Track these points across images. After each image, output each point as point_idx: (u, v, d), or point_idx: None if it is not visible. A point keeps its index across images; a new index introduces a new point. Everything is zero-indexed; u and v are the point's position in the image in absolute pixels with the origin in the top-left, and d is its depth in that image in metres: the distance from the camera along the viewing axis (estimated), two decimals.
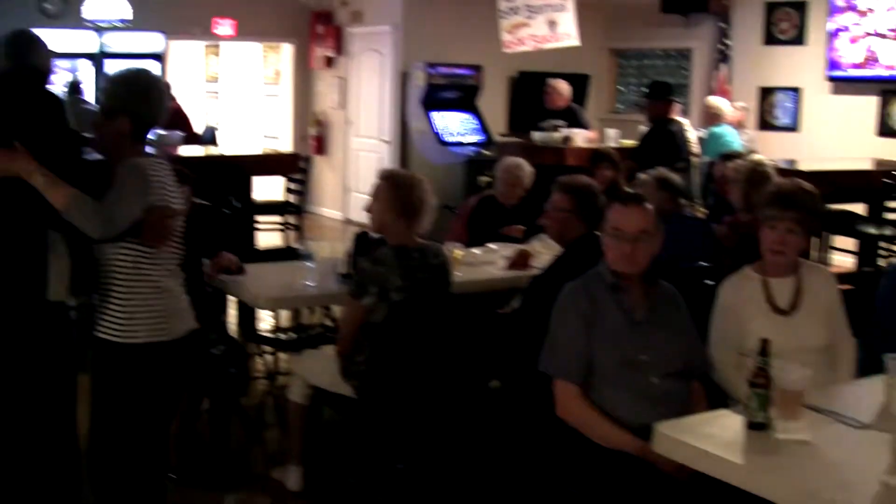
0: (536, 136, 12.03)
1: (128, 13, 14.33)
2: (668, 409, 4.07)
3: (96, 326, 4.29)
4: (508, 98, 15.57)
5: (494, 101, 15.18)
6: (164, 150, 9.96)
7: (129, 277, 4.22)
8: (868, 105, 12.90)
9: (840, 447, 3.56)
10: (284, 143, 16.87)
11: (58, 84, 12.63)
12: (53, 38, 11.91)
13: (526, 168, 8.13)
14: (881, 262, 10.61)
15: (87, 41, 14.31)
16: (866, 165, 11.57)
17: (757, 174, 7.01)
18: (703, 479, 3.53)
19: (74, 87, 12.99)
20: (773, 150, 12.33)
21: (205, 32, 15.77)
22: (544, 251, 6.59)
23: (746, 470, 3.37)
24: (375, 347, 5.24)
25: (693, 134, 11.00)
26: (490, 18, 12.84)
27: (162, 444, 4.60)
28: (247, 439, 6.48)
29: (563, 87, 12.57)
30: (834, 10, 13.08)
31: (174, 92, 13.57)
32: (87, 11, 14.15)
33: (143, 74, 4.46)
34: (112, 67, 13.31)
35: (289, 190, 12.76)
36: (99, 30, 14.34)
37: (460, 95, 14.65)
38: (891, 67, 12.58)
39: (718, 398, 4.46)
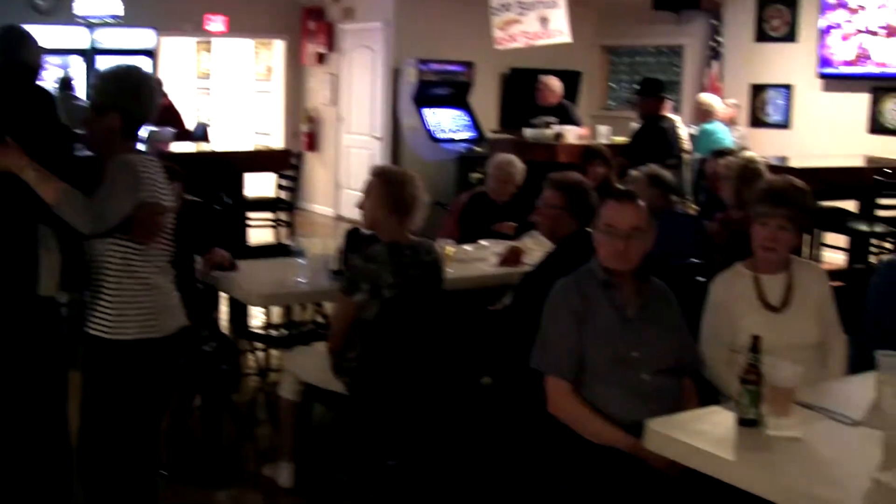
0: (528, 132, 12.03)
1: (119, 9, 14.35)
2: (660, 405, 4.07)
3: (87, 323, 4.28)
4: (500, 95, 15.58)
5: (486, 97, 15.18)
6: (155, 146, 9.96)
7: (118, 274, 4.21)
8: (859, 102, 12.92)
9: (831, 444, 3.56)
10: (276, 140, 16.84)
11: (49, 80, 12.63)
12: (44, 34, 11.91)
13: (518, 165, 8.14)
14: (872, 259, 10.64)
15: (78, 37, 14.30)
16: (857, 162, 11.59)
17: (748, 171, 7.01)
18: (695, 476, 3.53)
19: (65, 84, 12.97)
20: (764, 147, 12.34)
21: (196, 29, 15.75)
22: (536, 248, 6.59)
23: (737, 466, 3.37)
24: (367, 344, 5.24)
25: (684, 131, 11.02)
26: (482, 15, 12.84)
27: (153, 440, 4.59)
28: (238, 436, 6.48)
29: (555, 83, 12.58)
30: (825, 8, 13.09)
31: (166, 88, 13.61)
32: (78, 7, 14.16)
33: (133, 71, 4.45)
34: (103, 64, 13.26)
35: (280, 186, 12.75)
36: (90, 26, 14.33)
37: (452, 92, 14.65)
38: (882, 65, 12.59)
39: (710, 395, 4.46)
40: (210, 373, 5.95)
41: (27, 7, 13.94)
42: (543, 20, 12.55)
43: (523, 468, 4.73)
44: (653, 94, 10.68)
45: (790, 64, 13.66)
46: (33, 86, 4.40)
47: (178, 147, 11.33)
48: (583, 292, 4.31)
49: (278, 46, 17.06)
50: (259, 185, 13.26)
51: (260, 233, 12.38)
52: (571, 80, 14.47)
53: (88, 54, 14.35)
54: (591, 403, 4.22)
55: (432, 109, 14.41)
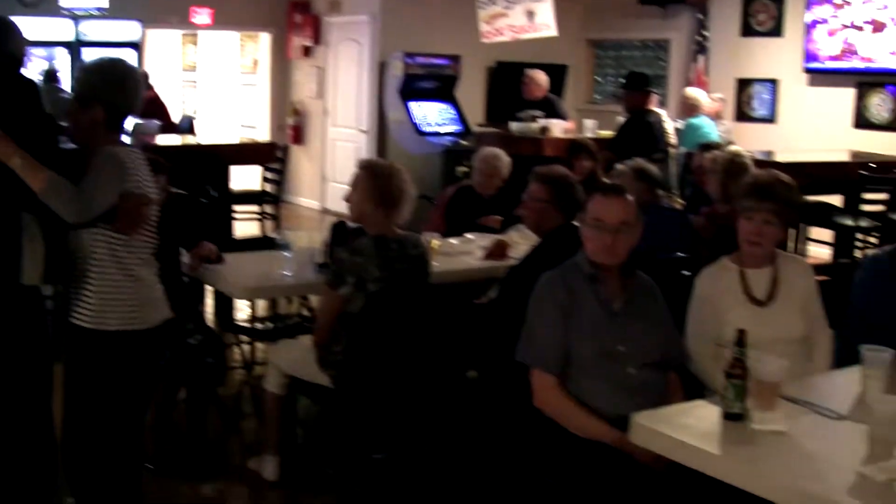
0: (514, 126, 12.05)
1: (104, 2, 14.32)
2: (646, 399, 4.07)
3: (70, 312, 4.27)
4: (486, 88, 15.56)
5: (472, 91, 15.16)
6: (141, 139, 9.95)
7: (102, 264, 4.20)
8: (845, 97, 12.93)
9: (816, 438, 3.57)
10: (262, 133, 16.84)
11: (33, 72, 12.59)
12: (30, 26, 11.86)
13: (504, 158, 8.13)
14: (857, 254, 10.66)
15: (63, 29, 14.25)
16: (843, 157, 11.63)
17: (735, 165, 7.03)
18: (680, 470, 3.53)
19: (50, 76, 12.96)
20: (750, 141, 12.34)
21: (182, 21, 15.71)
22: (522, 241, 6.59)
23: (722, 460, 3.38)
24: (353, 337, 5.24)
25: (670, 125, 11.03)
26: (468, 8, 12.85)
27: (138, 434, 4.58)
28: (223, 429, 6.48)
29: (541, 77, 12.58)
30: (811, 3, 13.11)
31: (151, 81, 13.59)
32: None
33: (118, 63, 4.43)
34: (89, 56, 13.26)
35: (266, 179, 12.73)
36: (75, 18, 14.29)
37: (438, 85, 14.63)
38: (868, 60, 12.61)
39: (695, 389, 4.47)
40: (195, 366, 5.95)
41: None
42: (529, 14, 12.57)
43: (509, 462, 4.73)
44: (639, 88, 10.68)
45: (776, 58, 13.68)
46: (18, 76, 4.38)
47: (163, 140, 11.34)
48: (569, 286, 4.31)
49: (264, 39, 17.02)
50: (245, 178, 13.25)
51: (245, 226, 12.36)
52: (557, 73, 14.47)
53: (74, 47, 14.30)
54: (577, 397, 4.22)
55: (418, 103, 14.40)
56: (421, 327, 5.31)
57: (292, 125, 16.71)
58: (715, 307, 4.64)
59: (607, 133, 11.75)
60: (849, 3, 12.71)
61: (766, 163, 9.03)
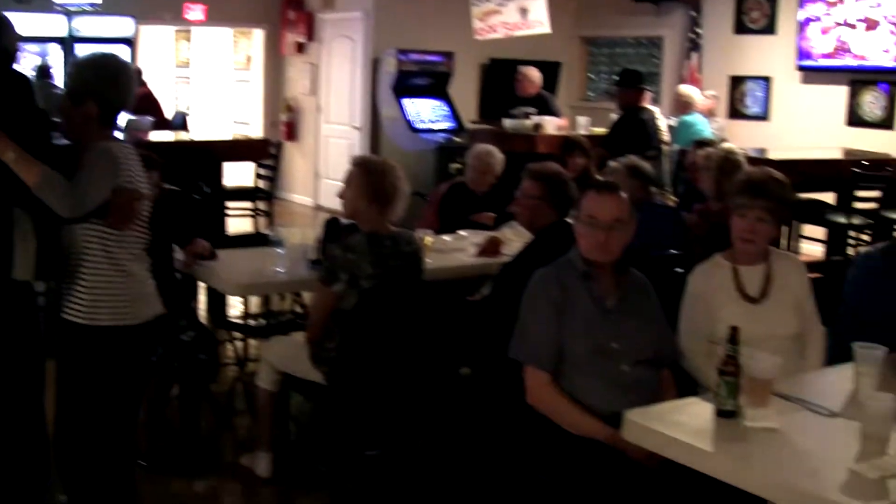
0: (507, 123, 12.05)
1: None
2: (639, 396, 4.07)
3: (61, 308, 4.27)
4: (479, 85, 15.56)
5: (465, 88, 15.16)
6: (134, 135, 9.93)
7: (95, 259, 4.19)
8: (838, 95, 12.94)
9: (809, 435, 3.58)
10: (255, 129, 16.80)
11: (26, 68, 12.56)
12: (23, 21, 11.86)
13: (497, 155, 8.13)
14: (850, 251, 10.68)
15: (56, 25, 14.22)
16: (836, 155, 11.64)
17: (729, 163, 7.03)
18: (673, 467, 3.54)
19: (44, 72, 12.94)
20: (743, 138, 12.36)
21: (175, 17, 15.69)
22: (515, 238, 6.59)
23: (715, 457, 3.38)
24: (346, 334, 5.23)
25: (664, 122, 11.03)
26: (461, 5, 12.85)
27: (131, 430, 4.57)
28: (216, 426, 6.48)
29: (534, 74, 12.59)
30: (804, 0, 13.11)
31: (145, 77, 13.58)
32: None
33: (110, 58, 4.43)
34: (82, 52, 13.24)
35: (259, 176, 12.72)
36: (69, 14, 14.27)
37: (431, 82, 14.63)
38: (860, 58, 12.62)
39: (688, 386, 4.47)
40: (188, 362, 5.95)
41: None
42: (523, 11, 12.57)
43: (502, 459, 4.73)
44: (632, 85, 10.69)
45: (769, 56, 13.68)
46: (10, 70, 4.37)
47: (156, 136, 11.30)
48: (562, 283, 4.31)
49: (258, 36, 17.00)
50: (238, 174, 13.23)
51: (239, 222, 12.37)
52: (551, 70, 14.49)
53: (67, 42, 14.27)
54: (570, 394, 4.23)
55: (412, 99, 14.39)
56: (414, 324, 5.31)
57: (285, 122, 16.70)
58: (708, 304, 4.64)
59: (600, 130, 11.76)
60: (842, 2, 12.71)
61: (760, 160, 9.05)
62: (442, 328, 5.42)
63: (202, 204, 8.85)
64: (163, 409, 6.07)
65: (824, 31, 12.91)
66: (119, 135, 4.45)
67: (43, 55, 13.90)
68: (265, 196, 12.59)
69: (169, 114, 14.49)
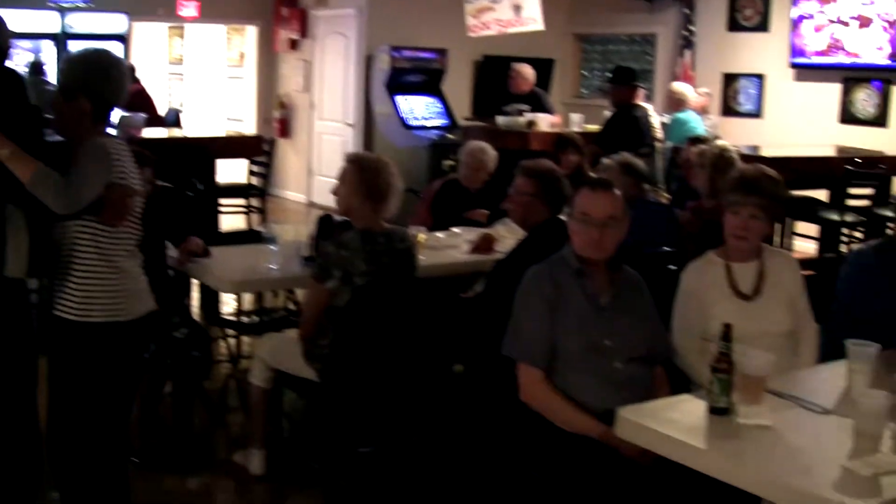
0: (501, 120, 12.05)
1: None
2: (632, 394, 4.08)
3: (54, 304, 4.26)
4: (473, 82, 15.56)
5: (459, 85, 15.16)
6: (127, 131, 9.92)
7: (87, 255, 4.18)
8: (831, 92, 12.96)
9: (802, 432, 3.58)
10: (248, 126, 16.78)
11: (19, 65, 12.55)
12: (16, 18, 11.82)
13: (490, 152, 8.13)
14: (843, 249, 10.70)
15: (49, 21, 14.19)
16: (829, 152, 11.66)
17: (722, 160, 7.04)
18: (666, 464, 3.54)
19: (36, 68, 12.93)
20: (736, 136, 12.39)
21: (168, 14, 15.66)
22: (508, 235, 6.59)
23: (708, 454, 3.38)
24: (339, 331, 5.23)
25: (657, 119, 11.03)
26: (455, 2, 12.84)
27: (123, 427, 4.57)
28: (209, 423, 6.48)
29: (528, 71, 12.59)
30: None
31: (138, 74, 13.55)
32: None
33: (102, 54, 4.41)
34: (75, 48, 13.23)
35: (252, 173, 12.71)
36: (62, 10, 14.25)
37: (425, 79, 14.63)
38: (854, 55, 12.63)
39: (681, 383, 4.47)
40: (181, 359, 5.94)
41: None
42: (516, 8, 12.56)
43: (495, 456, 4.74)
44: (625, 82, 10.69)
45: (762, 53, 13.69)
46: (2, 67, 4.36)
47: (150, 133, 11.29)
48: (555, 280, 4.31)
49: (251, 32, 16.98)
50: (231, 171, 13.23)
51: (232, 219, 12.36)
52: (544, 67, 14.48)
53: (60, 39, 14.24)
54: (564, 391, 4.23)
55: (405, 96, 14.40)
56: (407, 321, 5.31)
57: (279, 118, 16.68)
58: (701, 301, 4.64)
59: (594, 127, 11.75)
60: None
61: (753, 157, 9.06)
62: (435, 325, 5.42)
63: (195, 201, 8.84)
64: (156, 406, 6.07)
65: (817, 29, 12.92)
66: (112, 131, 4.45)
67: (36, 52, 13.87)
68: (258, 193, 12.58)
69: (162, 110, 14.46)
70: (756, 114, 13.82)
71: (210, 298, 6.86)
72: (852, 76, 12.77)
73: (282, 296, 7.42)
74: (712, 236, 4.98)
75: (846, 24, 12.65)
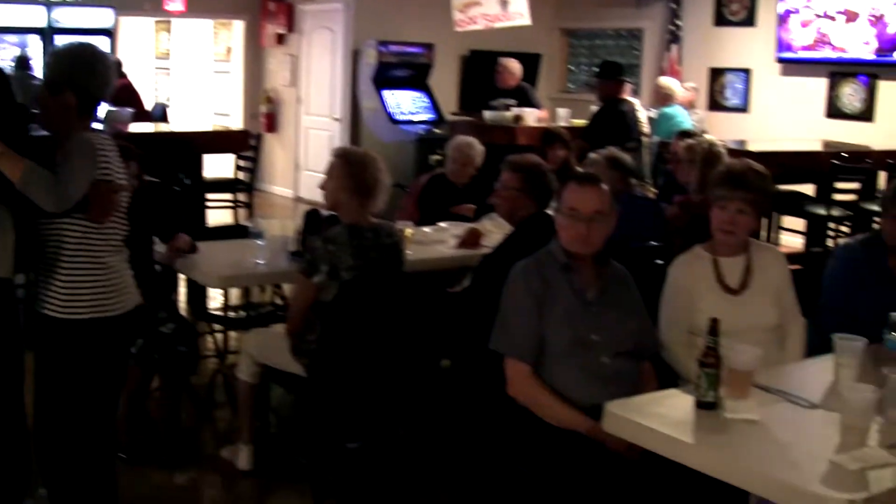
0: (487, 115, 12.05)
1: None
2: (619, 388, 4.08)
3: (39, 302, 4.24)
4: (460, 77, 15.56)
5: (446, 79, 15.16)
6: (113, 126, 9.91)
7: (75, 253, 4.17)
8: (817, 87, 12.97)
9: (789, 427, 3.58)
10: (235, 121, 16.78)
11: (5, 59, 12.52)
12: (2, 12, 11.79)
13: (477, 147, 8.13)
14: (830, 243, 10.72)
15: (35, 16, 14.15)
16: (815, 147, 11.68)
17: (712, 155, 7.05)
18: (653, 459, 3.54)
19: (22, 63, 12.89)
20: (722, 130, 12.38)
21: (155, 8, 15.62)
22: (495, 230, 6.59)
23: (695, 449, 3.39)
24: (326, 326, 5.23)
25: (644, 114, 11.02)
26: None
27: (110, 422, 4.56)
28: (197, 418, 6.47)
29: (515, 66, 12.59)
30: None
31: (124, 68, 13.52)
32: None
33: (88, 48, 4.40)
34: (61, 43, 13.19)
35: (239, 167, 12.68)
36: (48, 4, 14.21)
37: (412, 74, 14.62)
38: (840, 50, 12.64)
39: (669, 378, 4.48)
40: (168, 355, 5.93)
41: None
42: (503, 2, 12.55)
43: (483, 451, 4.74)
44: (612, 76, 10.69)
45: (749, 48, 13.70)
46: None
47: (136, 127, 11.26)
48: (543, 275, 4.31)
49: (237, 27, 16.96)
50: (218, 166, 13.19)
51: (218, 214, 12.34)
52: (531, 62, 14.48)
53: (46, 33, 14.21)
54: (551, 386, 4.23)
55: (392, 91, 14.39)
56: (394, 316, 5.31)
57: (265, 113, 16.67)
58: (688, 296, 4.65)
59: (580, 122, 11.74)
60: None
61: (739, 152, 9.07)
62: (422, 320, 5.42)
63: (182, 195, 8.83)
64: (143, 402, 6.06)
65: (804, 24, 12.93)
66: (99, 126, 4.43)
67: (22, 46, 13.84)
68: (245, 188, 12.55)
69: (149, 105, 14.45)
70: (743, 108, 13.82)
71: (197, 293, 6.85)
72: (838, 71, 12.78)
73: (269, 291, 7.41)
74: (699, 231, 4.99)
75: (832, 18, 12.66)
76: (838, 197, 10.58)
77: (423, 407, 5.57)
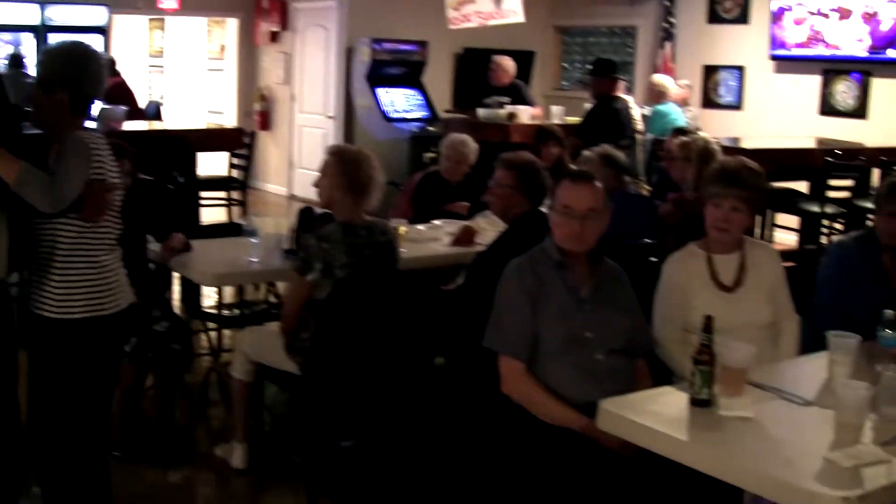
0: (481, 112, 12.04)
1: None
2: (613, 386, 4.08)
3: (33, 302, 4.24)
4: (453, 74, 15.56)
5: (439, 77, 15.16)
6: (107, 124, 9.90)
7: (69, 252, 4.17)
8: (811, 84, 12.98)
9: (783, 424, 3.59)
10: (229, 119, 16.75)
11: None
12: None
13: (471, 145, 8.13)
14: (823, 240, 10.73)
15: (29, 14, 14.14)
16: (809, 144, 11.69)
17: (708, 152, 7.05)
18: (648, 456, 3.54)
19: (16, 61, 12.88)
20: (716, 128, 12.41)
21: (149, 6, 15.58)
22: (489, 228, 6.59)
23: (690, 446, 3.39)
24: (320, 324, 5.23)
25: (637, 111, 11.04)
26: None
27: (104, 421, 4.55)
28: (191, 416, 6.47)
29: (508, 63, 12.58)
30: None
31: (118, 66, 13.50)
32: None
33: (80, 47, 4.40)
34: (55, 41, 13.17)
35: (233, 165, 12.69)
36: (42, 2, 14.19)
37: (405, 71, 14.62)
38: (834, 47, 12.65)
39: (663, 375, 4.48)
40: (162, 353, 5.92)
41: None
42: (497, 0, 12.54)
43: (477, 448, 4.73)
44: (606, 74, 10.70)
45: (742, 45, 13.71)
46: None
47: (130, 125, 11.25)
48: (537, 273, 4.31)
49: (231, 25, 16.95)
50: (212, 164, 13.20)
51: (212, 212, 12.32)
52: (524, 60, 14.47)
53: (40, 31, 14.19)
54: (545, 384, 4.23)
55: (386, 89, 14.38)
56: (388, 314, 5.30)
57: (259, 111, 16.66)
58: (682, 293, 4.64)
59: (574, 119, 11.74)
60: None
61: (733, 149, 9.07)
62: (416, 318, 5.42)
63: (176, 193, 8.82)
64: (137, 400, 6.05)
65: (797, 21, 12.93)
66: (92, 124, 4.43)
67: (16, 44, 13.83)
68: (239, 186, 12.55)
69: (142, 103, 14.44)
70: (736, 106, 13.83)
71: (191, 291, 6.85)
72: (832, 68, 12.80)
73: (263, 289, 7.41)
74: (693, 228, 4.99)
75: (826, 16, 12.67)
76: (832, 194, 10.61)
77: (417, 405, 5.56)
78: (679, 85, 12.79)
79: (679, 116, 11.69)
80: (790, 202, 10.76)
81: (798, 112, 12.97)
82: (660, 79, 12.43)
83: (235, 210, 12.55)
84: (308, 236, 5.38)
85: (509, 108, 11.93)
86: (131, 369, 5.77)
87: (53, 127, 4.21)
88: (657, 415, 3.58)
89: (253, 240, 5.92)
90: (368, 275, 5.31)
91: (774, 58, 13.31)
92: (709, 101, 14.10)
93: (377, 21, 14.67)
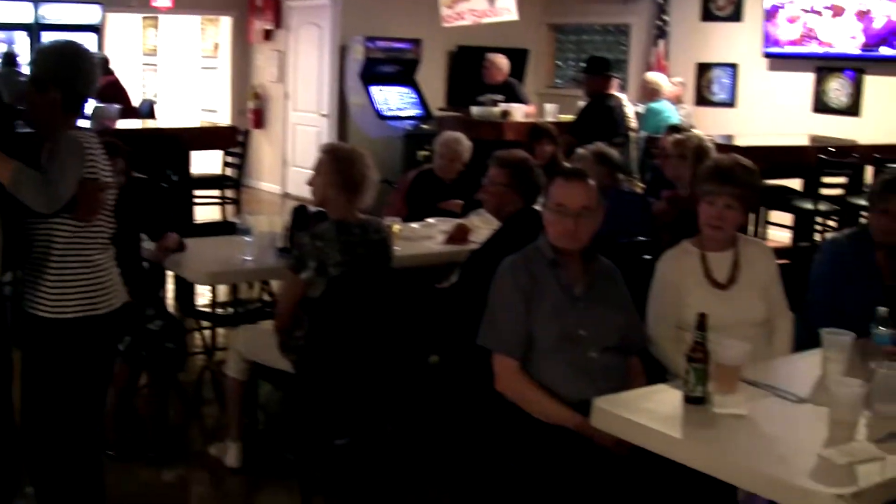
0: (475, 110, 12.04)
1: None
2: (607, 383, 4.08)
3: (27, 301, 4.23)
4: (447, 72, 15.55)
5: (433, 75, 15.15)
6: (101, 122, 9.89)
7: (64, 252, 4.16)
8: (804, 82, 12.99)
9: (777, 421, 3.59)
10: (223, 117, 16.73)
11: None
12: None
13: (464, 142, 8.13)
14: (817, 237, 10.75)
15: (23, 12, 14.13)
16: (802, 141, 11.70)
17: (703, 150, 7.06)
18: (642, 454, 3.55)
19: (10, 59, 12.85)
20: (710, 125, 12.42)
21: (143, 4, 15.57)
22: (482, 225, 6.60)
23: (684, 444, 3.39)
24: (314, 322, 5.22)
25: (631, 109, 11.04)
26: None
27: (97, 420, 4.55)
28: (185, 415, 6.47)
29: (502, 61, 12.58)
30: None
31: (112, 65, 13.49)
32: None
33: (73, 45, 4.39)
34: (48, 39, 13.16)
35: (227, 164, 12.68)
36: (35, 1, 14.17)
37: (399, 69, 14.61)
38: (827, 45, 12.66)
39: (657, 373, 4.48)
40: (156, 351, 5.92)
41: None
42: None
43: (471, 446, 4.73)
44: (599, 72, 10.70)
45: (736, 43, 13.71)
46: None
47: (123, 124, 11.24)
48: (530, 270, 4.31)
49: (225, 23, 16.93)
50: (206, 162, 13.18)
51: (206, 210, 12.32)
52: (518, 58, 14.46)
53: (33, 29, 14.18)
54: (539, 381, 4.23)
55: (379, 87, 14.37)
56: (382, 312, 5.30)
57: (253, 109, 16.64)
58: (676, 291, 4.64)
59: (568, 117, 11.75)
60: None
61: (727, 147, 9.09)
62: (410, 316, 5.42)
63: (169, 192, 8.82)
64: (131, 399, 6.05)
65: (791, 19, 12.94)
66: (86, 122, 4.42)
67: (9, 42, 13.81)
68: (233, 184, 12.55)
69: (136, 101, 14.42)
70: (730, 103, 13.84)
71: (185, 290, 6.85)
72: (825, 65, 12.81)
73: (257, 287, 7.41)
74: (687, 226, 4.99)
75: (819, 13, 12.68)
76: (825, 191, 10.61)
77: (411, 403, 5.56)
78: (672, 82, 12.79)
79: (673, 114, 11.69)
80: (784, 199, 10.78)
81: (791, 109, 12.98)
82: (653, 76, 12.43)
83: (229, 208, 12.55)
84: (302, 234, 5.38)
85: (503, 106, 11.92)
86: (125, 368, 5.78)
87: (46, 126, 4.20)
88: (651, 412, 3.58)
89: (247, 238, 5.91)
90: (362, 273, 5.31)
91: (768, 55, 13.31)
92: (702, 99, 14.10)
93: (371, 19, 14.66)
